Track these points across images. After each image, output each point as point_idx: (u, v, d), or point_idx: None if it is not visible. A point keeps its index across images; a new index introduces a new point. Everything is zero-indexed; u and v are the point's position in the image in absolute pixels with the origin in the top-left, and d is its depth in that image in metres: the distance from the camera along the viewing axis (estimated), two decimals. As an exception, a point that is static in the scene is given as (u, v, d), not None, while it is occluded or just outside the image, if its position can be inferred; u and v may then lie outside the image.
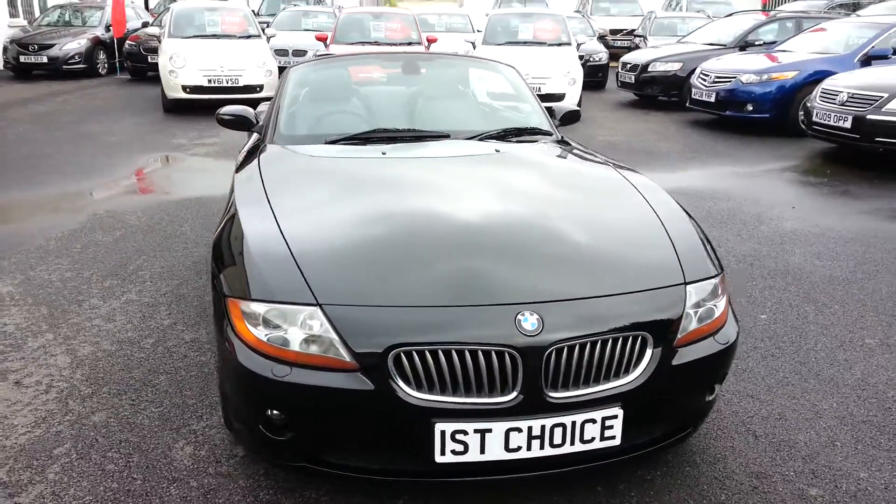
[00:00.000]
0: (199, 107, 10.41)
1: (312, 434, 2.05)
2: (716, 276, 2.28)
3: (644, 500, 2.26)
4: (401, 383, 1.92)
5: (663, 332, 2.07)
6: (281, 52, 12.40)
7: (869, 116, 7.04)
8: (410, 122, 3.42)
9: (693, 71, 10.92)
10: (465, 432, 1.92)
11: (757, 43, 11.42)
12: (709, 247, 2.42)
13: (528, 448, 1.95)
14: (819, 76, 8.99)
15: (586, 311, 2.01)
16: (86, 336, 3.38)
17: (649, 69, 11.50)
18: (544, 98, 9.98)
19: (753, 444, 2.58)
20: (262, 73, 10.15)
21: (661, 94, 11.49)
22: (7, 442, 2.54)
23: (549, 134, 3.48)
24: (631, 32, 17.78)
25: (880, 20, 9.63)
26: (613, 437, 2.02)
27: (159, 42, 11.01)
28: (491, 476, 2.01)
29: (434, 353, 1.91)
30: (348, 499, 2.25)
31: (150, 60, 13.46)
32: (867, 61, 9.12)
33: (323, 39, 11.08)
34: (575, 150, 3.28)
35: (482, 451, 1.94)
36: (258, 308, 2.05)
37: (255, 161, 3.04)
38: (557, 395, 1.95)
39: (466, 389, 1.93)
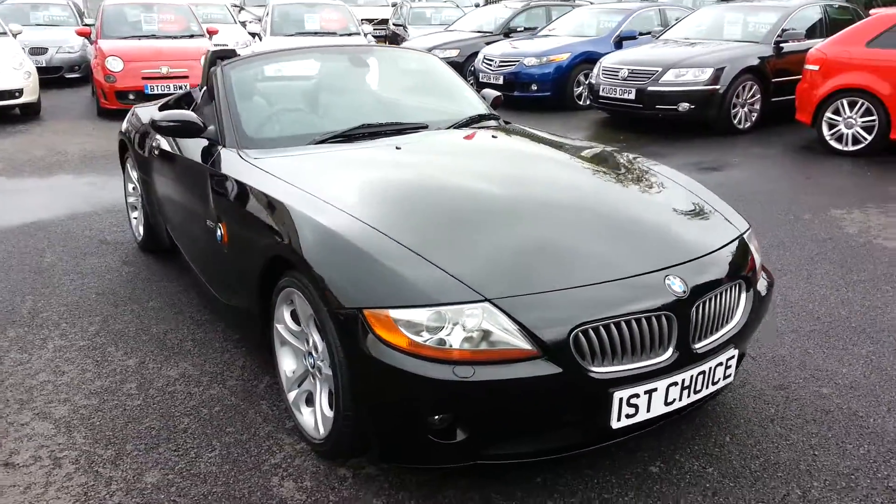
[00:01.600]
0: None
1: (490, 429, 2.05)
2: (749, 227, 2.68)
3: (722, 425, 2.61)
4: (582, 361, 2.01)
5: (748, 277, 2.41)
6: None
7: (649, 88, 8.23)
8: (385, 115, 3.35)
9: (469, 57, 11.72)
10: (637, 395, 2.07)
11: (518, 29, 12.53)
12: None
13: (680, 398, 2.17)
14: (586, 57, 10.24)
15: (705, 268, 2.27)
16: (46, 396, 2.84)
17: (429, 56, 12.02)
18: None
19: (756, 364, 3.06)
20: (21, 76, 8.78)
21: (442, 78, 12.08)
22: (65, 528, 2.12)
23: (497, 118, 3.66)
24: (384, 22, 18.26)
25: (623, 6, 11.15)
26: (730, 375, 2.32)
27: None
28: (645, 430, 2.20)
29: (607, 327, 2.04)
30: (492, 487, 2.28)
31: None
32: (620, 42, 10.56)
33: (86, 35, 9.86)
34: (543, 133, 3.49)
35: (648, 410, 2.11)
36: (417, 314, 1.98)
37: (250, 167, 2.81)
38: (698, 346, 2.19)
39: (632, 354, 2.08)
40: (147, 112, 4.24)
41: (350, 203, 2.42)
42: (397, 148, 2.97)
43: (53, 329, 3.43)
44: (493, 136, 3.23)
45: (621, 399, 2.05)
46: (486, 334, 1.98)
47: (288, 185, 2.60)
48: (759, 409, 2.73)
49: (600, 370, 2.03)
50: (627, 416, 2.09)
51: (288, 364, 2.63)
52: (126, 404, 2.78)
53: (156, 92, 9.10)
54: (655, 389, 2.10)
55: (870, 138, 7.03)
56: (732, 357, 2.29)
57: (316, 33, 10.61)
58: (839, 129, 7.25)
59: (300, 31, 10.65)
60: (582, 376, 2.00)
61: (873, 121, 6.97)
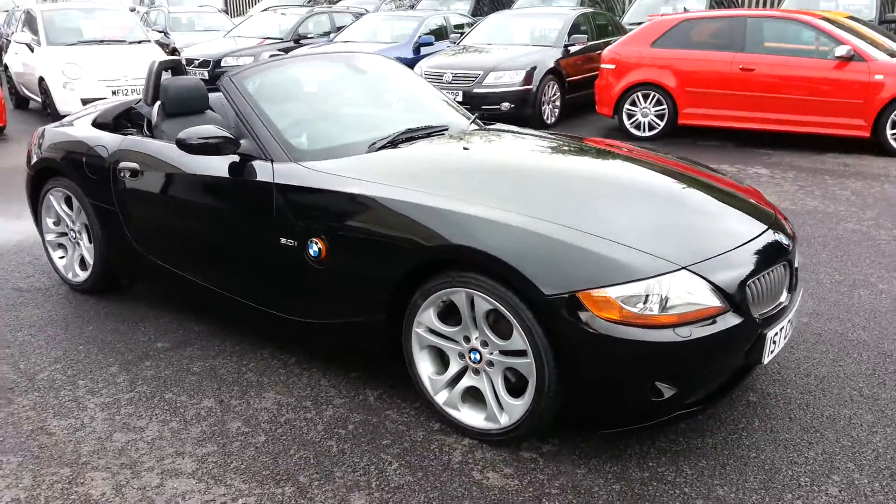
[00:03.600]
0: None
1: (690, 381, 2.38)
2: None
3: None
4: (751, 309, 2.43)
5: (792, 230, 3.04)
6: None
7: (474, 90, 8.91)
8: (406, 119, 3.43)
9: (265, 63, 11.48)
10: (776, 333, 2.56)
11: (309, 36, 12.52)
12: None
13: (788, 332, 2.71)
14: (405, 61, 10.64)
15: (782, 225, 2.83)
16: (151, 454, 2.52)
17: (222, 64, 11.51)
18: (149, 101, 9.28)
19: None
20: None
21: (238, 87, 11.63)
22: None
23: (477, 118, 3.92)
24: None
25: (414, 13, 11.75)
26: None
27: None
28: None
29: (759, 278, 2.49)
30: (660, 438, 2.61)
31: None
32: (418, 48, 11.14)
33: None
34: (542, 132, 3.83)
35: (778, 345, 2.62)
36: (632, 288, 2.25)
37: (340, 178, 2.78)
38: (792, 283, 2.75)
39: (768, 299, 2.56)
40: (81, 132, 3.75)
41: (495, 199, 2.56)
42: (465, 148, 3.12)
43: (73, 388, 2.97)
44: (522, 135, 3.50)
45: (770, 338, 2.52)
46: (682, 298, 2.31)
47: (412, 191, 2.64)
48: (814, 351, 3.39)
49: (758, 315, 2.48)
50: (770, 352, 2.57)
51: (427, 367, 2.69)
52: (252, 443, 2.59)
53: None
54: (784, 327, 2.61)
55: (662, 124, 8.43)
56: (800, 294, 2.89)
57: (101, 41, 9.58)
58: (637, 118, 8.57)
59: (81, 39, 9.54)
60: (753, 323, 2.43)
61: (664, 109, 8.37)
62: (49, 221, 4.03)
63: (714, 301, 2.34)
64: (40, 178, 3.95)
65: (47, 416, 2.77)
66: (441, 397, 2.67)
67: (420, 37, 11.17)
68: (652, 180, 2.92)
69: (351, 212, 2.71)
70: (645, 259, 2.33)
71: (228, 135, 2.96)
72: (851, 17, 8.38)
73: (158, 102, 3.67)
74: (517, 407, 2.48)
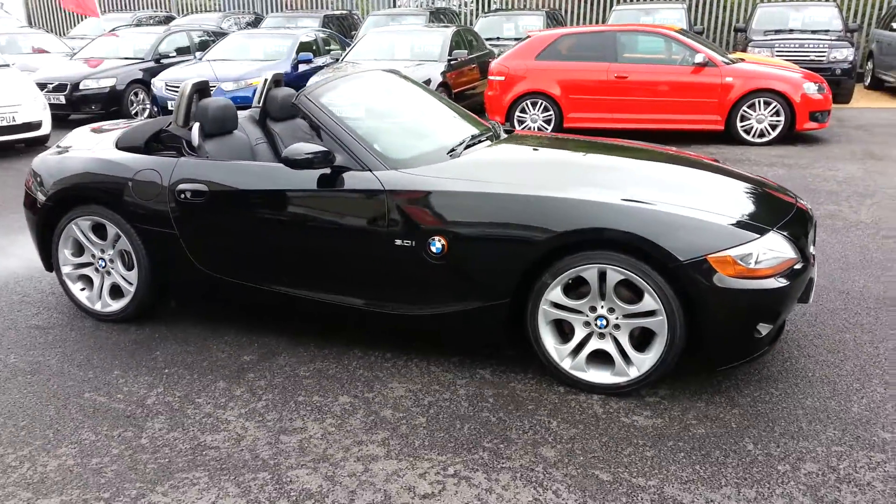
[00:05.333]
0: None
1: (778, 320, 2.96)
2: None
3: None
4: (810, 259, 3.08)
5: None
6: None
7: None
8: (456, 128, 3.75)
9: (130, 84, 11.04)
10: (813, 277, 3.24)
11: (170, 55, 12.05)
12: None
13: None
14: (287, 78, 10.60)
15: (800, 198, 3.53)
16: (333, 447, 2.65)
17: (81, 87, 10.78)
18: (20, 128, 8.60)
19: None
20: None
21: (102, 110, 10.95)
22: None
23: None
24: None
25: (293, 31, 11.80)
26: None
27: None
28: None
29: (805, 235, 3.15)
30: (736, 375, 3.18)
31: None
32: (297, 65, 11.22)
33: None
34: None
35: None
36: (745, 249, 2.81)
37: (449, 180, 3.09)
38: (811, 242, 3.47)
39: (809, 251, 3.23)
40: (117, 157, 3.64)
41: (597, 187, 3.01)
42: (534, 149, 3.53)
43: (196, 406, 2.96)
44: (555, 138, 3.96)
45: (815, 282, 3.19)
46: (771, 253, 2.89)
47: (527, 186, 3.01)
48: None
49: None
50: (812, 293, 3.24)
51: (550, 339, 3.06)
52: (416, 424, 2.81)
53: None
54: (815, 273, 3.30)
55: (550, 128, 9.28)
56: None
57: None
58: (527, 124, 9.36)
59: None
60: (810, 267, 3.08)
61: (551, 115, 9.23)
62: (67, 253, 3.82)
63: (792, 254, 2.95)
64: (59, 209, 3.74)
65: (194, 433, 2.78)
66: (566, 363, 3.05)
67: (299, 54, 11.23)
68: (701, 169, 3.51)
69: (473, 209, 3.02)
70: (748, 225, 2.89)
71: (328, 150, 3.14)
72: (682, 31, 9.75)
73: (198, 124, 3.67)
74: (647, 360, 2.93)
